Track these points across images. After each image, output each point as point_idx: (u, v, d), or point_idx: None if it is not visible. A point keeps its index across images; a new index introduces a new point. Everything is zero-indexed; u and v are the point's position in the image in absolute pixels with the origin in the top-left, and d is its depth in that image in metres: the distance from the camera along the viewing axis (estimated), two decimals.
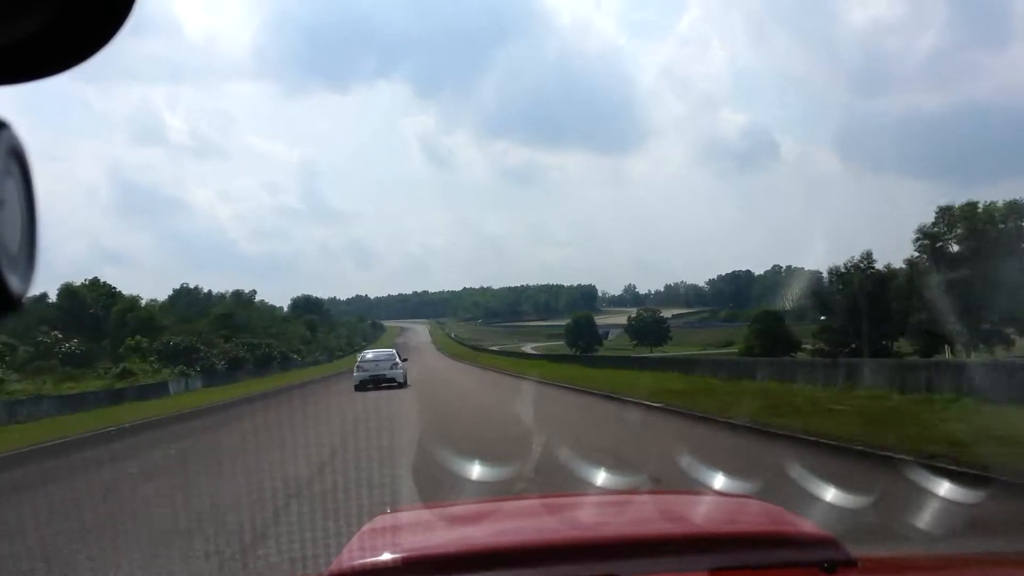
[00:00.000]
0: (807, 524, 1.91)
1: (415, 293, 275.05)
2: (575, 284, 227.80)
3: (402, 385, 26.16)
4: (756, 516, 2.07)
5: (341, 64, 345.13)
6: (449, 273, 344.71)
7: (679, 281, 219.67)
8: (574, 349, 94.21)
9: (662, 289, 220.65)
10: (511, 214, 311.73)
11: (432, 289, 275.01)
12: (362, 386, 25.79)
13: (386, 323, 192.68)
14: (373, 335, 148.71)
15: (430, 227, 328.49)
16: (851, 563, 1.57)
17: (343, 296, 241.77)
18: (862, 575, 1.59)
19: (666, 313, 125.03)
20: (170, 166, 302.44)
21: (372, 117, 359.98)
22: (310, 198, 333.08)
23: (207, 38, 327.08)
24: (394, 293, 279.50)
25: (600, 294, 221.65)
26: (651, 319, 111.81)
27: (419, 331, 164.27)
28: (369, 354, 29.29)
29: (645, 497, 2.70)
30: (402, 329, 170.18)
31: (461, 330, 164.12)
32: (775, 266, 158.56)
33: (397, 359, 28.02)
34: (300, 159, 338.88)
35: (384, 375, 26.51)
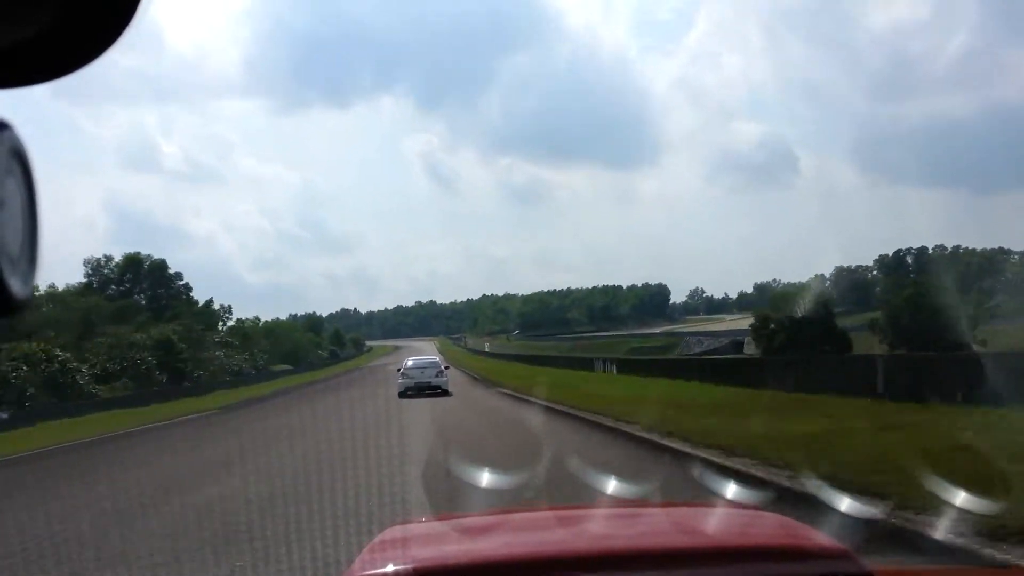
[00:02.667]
0: (821, 537, 1.89)
1: (419, 304, 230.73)
2: (639, 284, 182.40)
3: (446, 393, 25.13)
4: (770, 529, 2.07)
5: (341, 78, 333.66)
6: (463, 280, 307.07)
7: (772, 279, 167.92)
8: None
9: (749, 291, 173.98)
10: (561, 214, 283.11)
11: (442, 300, 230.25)
12: (405, 393, 24.90)
13: (376, 343, 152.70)
14: (321, 358, 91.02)
15: (441, 231, 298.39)
16: (866, 575, 1.56)
17: (326, 311, 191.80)
18: None
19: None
20: (163, 186, 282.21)
21: (374, 129, 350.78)
22: (303, 209, 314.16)
23: (197, 52, 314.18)
24: (391, 307, 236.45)
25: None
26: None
27: (423, 350, 76.42)
28: (410, 361, 28.13)
29: (657, 509, 2.69)
30: (395, 348, 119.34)
31: (491, 346, 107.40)
32: (939, 246, 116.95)
33: (442, 366, 27.14)
34: (299, 171, 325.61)
35: (429, 383, 25.69)
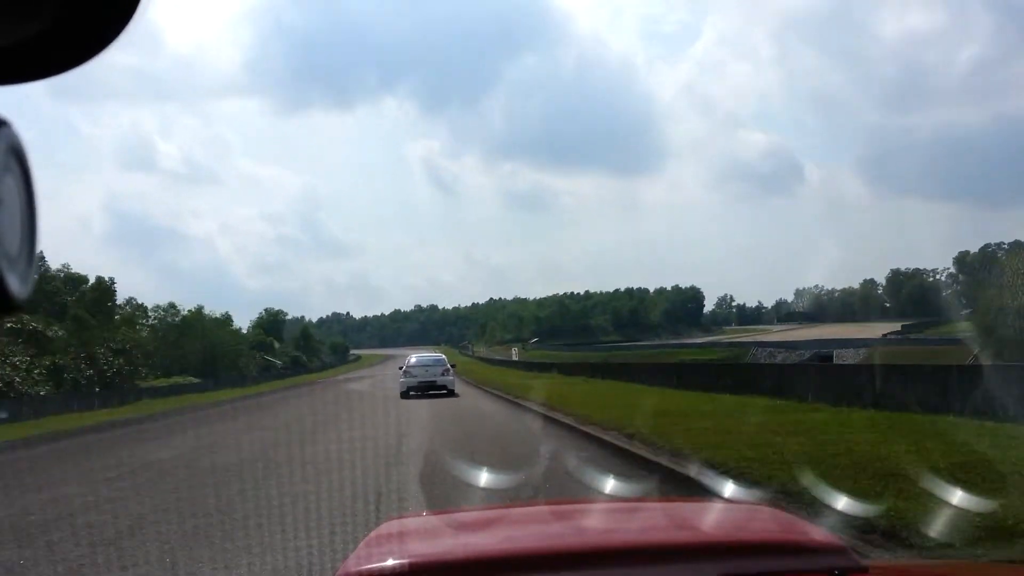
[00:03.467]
0: (818, 532, 1.90)
1: (418, 309, 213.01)
2: (669, 286, 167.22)
3: (451, 393, 23.81)
4: (766, 523, 2.07)
5: (343, 78, 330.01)
6: (466, 288, 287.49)
7: (814, 286, 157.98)
8: None
9: (789, 299, 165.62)
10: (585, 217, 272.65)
11: (445, 304, 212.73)
12: (407, 393, 23.41)
13: (365, 351, 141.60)
14: (275, 368, 68.84)
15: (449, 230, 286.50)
16: (861, 570, 1.57)
17: (315, 315, 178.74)
18: None
19: (862, 330, 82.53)
20: (160, 187, 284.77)
21: (376, 131, 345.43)
22: (302, 211, 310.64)
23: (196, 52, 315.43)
24: (387, 312, 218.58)
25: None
26: None
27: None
28: (413, 359, 25.94)
29: (654, 504, 2.70)
30: (386, 358, 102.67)
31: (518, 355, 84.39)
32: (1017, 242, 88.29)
33: (447, 364, 25.42)
34: (299, 173, 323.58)
35: (434, 382, 24.16)
